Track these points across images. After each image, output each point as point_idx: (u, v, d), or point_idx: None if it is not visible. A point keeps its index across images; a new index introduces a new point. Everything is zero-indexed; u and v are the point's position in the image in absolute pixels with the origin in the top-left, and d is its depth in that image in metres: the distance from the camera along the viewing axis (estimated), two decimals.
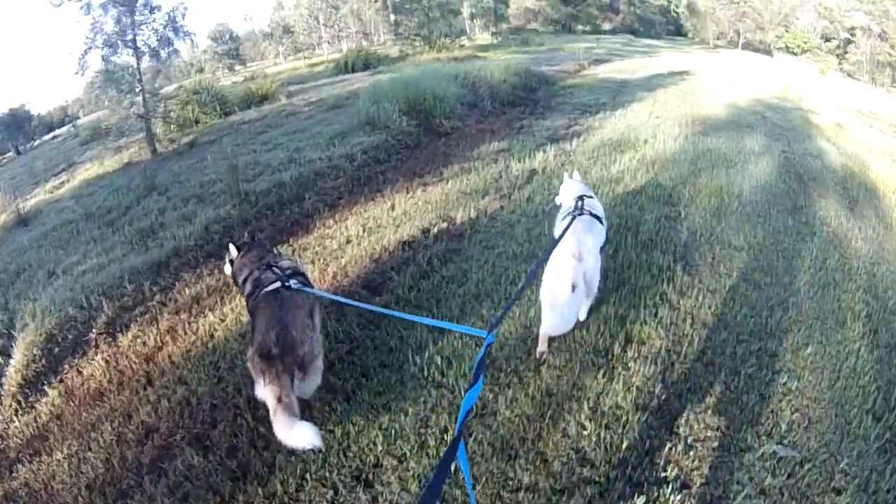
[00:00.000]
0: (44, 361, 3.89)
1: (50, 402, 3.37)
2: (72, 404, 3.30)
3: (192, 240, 4.70)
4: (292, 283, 2.64)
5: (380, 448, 2.33)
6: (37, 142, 15.39)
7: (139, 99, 8.01)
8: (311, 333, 2.51)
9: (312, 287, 2.94)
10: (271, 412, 2.12)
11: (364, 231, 4.27)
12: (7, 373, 3.86)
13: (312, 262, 3.97)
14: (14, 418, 3.37)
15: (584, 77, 11.38)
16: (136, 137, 8.89)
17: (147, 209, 5.82)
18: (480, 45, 19.22)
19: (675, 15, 32.29)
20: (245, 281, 2.92)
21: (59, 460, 2.73)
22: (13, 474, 2.88)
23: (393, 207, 4.63)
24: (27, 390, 3.65)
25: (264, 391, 2.20)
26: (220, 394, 2.87)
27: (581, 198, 3.09)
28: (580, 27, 27.71)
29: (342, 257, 3.96)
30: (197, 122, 9.22)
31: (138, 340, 3.65)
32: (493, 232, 4.03)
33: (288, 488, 2.22)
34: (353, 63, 13.68)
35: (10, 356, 4.06)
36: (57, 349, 3.97)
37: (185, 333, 3.58)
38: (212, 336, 3.45)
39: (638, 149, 5.64)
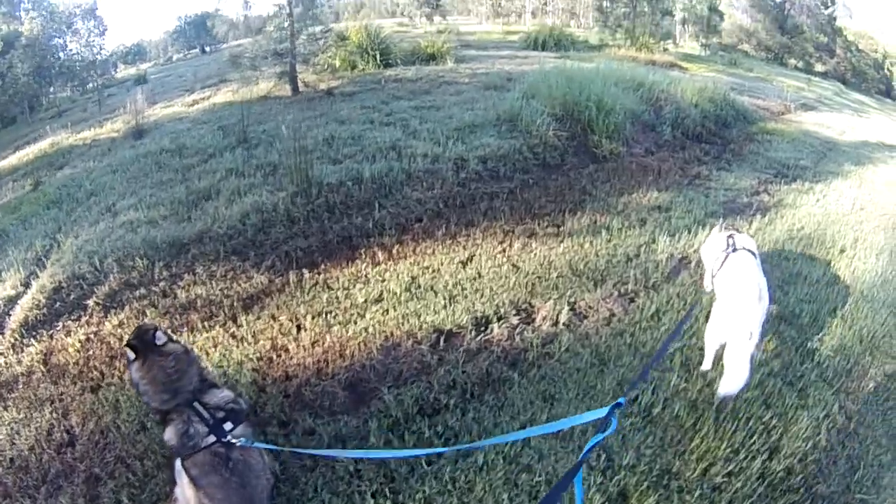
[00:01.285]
0: (45, 311, 4.37)
1: (31, 355, 3.95)
2: (41, 368, 3.81)
3: (223, 226, 4.82)
4: (239, 439, 2.33)
5: None
6: (223, 46, 19.28)
7: (286, 32, 9.22)
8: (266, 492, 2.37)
9: (249, 426, 2.54)
10: None
11: (408, 289, 3.88)
12: (19, 305, 4.58)
13: (319, 315, 3.69)
14: (7, 353, 4.10)
15: (787, 123, 11.37)
16: (280, 71, 9.85)
17: (218, 166, 6.16)
18: (686, 53, 20.26)
19: (888, 73, 33.70)
20: (161, 416, 2.45)
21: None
22: None
23: (466, 263, 4.17)
24: (23, 332, 4.24)
25: None
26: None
27: (731, 235, 3.47)
28: (793, 61, 29.81)
29: (356, 323, 3.58)
30: (353, 67, 10.18)
31: (121, 329, 3.93)
32: (580, 358, 3.26)
33: None
34: (544, 41, 14.71)
35: (27, 288, 4.81)
36: (58, 303, 4.39)
37: None
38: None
39: (831, 260, 4.88)
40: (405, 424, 2.91)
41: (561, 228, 4.66)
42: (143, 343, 2.46)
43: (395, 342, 3.44)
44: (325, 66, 10.34)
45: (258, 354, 3.51)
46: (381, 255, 4.29)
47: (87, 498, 2.95)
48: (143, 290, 4.30)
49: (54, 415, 3.48)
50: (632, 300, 3.88)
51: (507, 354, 3.33)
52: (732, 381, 2.83)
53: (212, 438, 2.31)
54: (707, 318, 3.18)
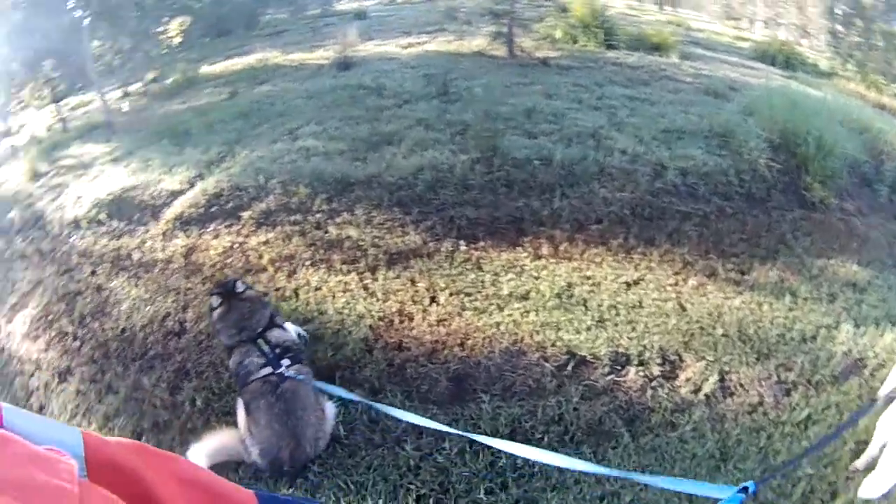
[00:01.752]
0: (201, 211, 4.87)
1: (175, 247, 4.58)
2: (181, 260, 4.42)
3: (395, 174, 4.90)
4: (290, 371, 2.68)
5: None
6: None
7: None
8: (322, 441, 2.73)
9: (308, 367, 2.87)
10: None
11: (559, 296, 3.58)
12: (180, 200, 5.17)
13: (457, 294, 3.61)
14: (156, 238, 4.82)
15: None
16: (496, 31, 9.92)
17: (409, 114, 6.23)
18: None
19: None
20: (228, 351, 2.94)
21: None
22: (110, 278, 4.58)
23: (631, 286, 3.73)
24: (175, 225, 4.83)
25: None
26: None
27: None
28: None
29: (490, 315, 3.46)
30: (575, 41, 10.12)
31: (264, 246, 4.29)
32: (702, 444, 2.82)
33: None
34: (774, 55, 13.70)
35: (192, 187, 5.38)
36: (215, 208, 4.85)
37: (289, 281, 3.98)
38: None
39: None
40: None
41: (745, 277, 4.02)
42: (227, 291, 3.00)
43: (521, 350, 3.24)
44: (545, 35, 10.32)
45: (381, 314, 3.52)
46: (545, 250, 4.05)
47: (169, 385, 3.39)
48: (297, 217, 4.55)
49: (175, 305, 3.96)
50: (788, 392, 3.21)
51: (630, 408, 2.96)
52: (879, 484, 2.62)
53: (268, 370, 2.68)
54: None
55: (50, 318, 4.42)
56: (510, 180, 4.74)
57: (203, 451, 2.72)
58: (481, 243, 4.08)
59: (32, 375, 4.02)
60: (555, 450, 2.61)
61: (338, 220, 4.47)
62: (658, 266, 3.92)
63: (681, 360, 3.23)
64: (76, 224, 5.48)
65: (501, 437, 2.70)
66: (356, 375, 3.15)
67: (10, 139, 10.65)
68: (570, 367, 3.13)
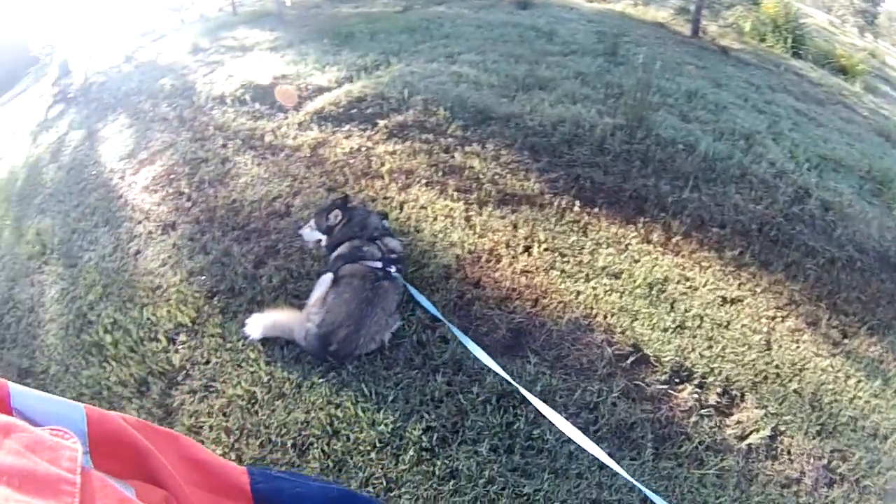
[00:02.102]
0: (340, 111, 5.06)
1: (307, 137, 4.76)
2: (307, 151, 4.58)
3: (534, 119, 4.79)
4: (394, 272, 2.94)
5: None
6: None
7: None
8: (378, 340, 2.83)
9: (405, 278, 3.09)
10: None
11: (650, 286, 3.34)
12: (323, 96, 5.35)
13: (551, 251, 3.47)
14: (291, 126, 4.98)
15: None
16: (681, 7, 9.90)
17: (570, 65, 6.03)
18: None
19: None
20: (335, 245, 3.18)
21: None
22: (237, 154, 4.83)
23: (726, 303, 3.34)
24: (312, 118, 5.03)
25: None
26: None
27: None
28: None
29: (574, 281, 3.31)
30: (763, 40, 9.59)
31: (389, 156, 4.39)
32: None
33: None
34: None
35: (339, 87, 5.50)
36: (354, 111, 5.03)
37: (400, 193, 4.05)
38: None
39: None
40: (511, 400, 2.67)
41: (845, 340, 3.37)
42: (343, 204, 3.23)
43: (590, 326, 3.03)
44: (732, 24, 9.81)
45: (472, 248, 3.47)
46: (656, 236, 3.74)
47: (256, 258, 3.61)
48: (429, 136, 4.57)
49: (288, 189, 4.13)
50: (832, 484, 2.65)
51: (668, 426, 2.65)
52: None
53: (379, 264, 2.91)
54: None
55: (171, 177, 4.72)
56: (647, 156, 4.45)
57: (262, 322, 2.94)
58: (596, 210, 3.86)
59: (140, 223, 4.33)
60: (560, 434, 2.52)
61: (467, 148, 4.41)
62: (762, 293, 3.48)
63: (742, 398, 2.84)
64: (221, 99, 5.78)
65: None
66: (426, 297, 3.13)
67: (181, 14, 11.45)
68: (628, 361, 2.87)
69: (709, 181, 4.34)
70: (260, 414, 2.73)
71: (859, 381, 3.06)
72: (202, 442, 2.69)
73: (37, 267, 4.47)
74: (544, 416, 2.39)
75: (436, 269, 3.33)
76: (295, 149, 4.66)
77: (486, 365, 2.65)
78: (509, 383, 2.60)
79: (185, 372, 3.06)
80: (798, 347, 3.18)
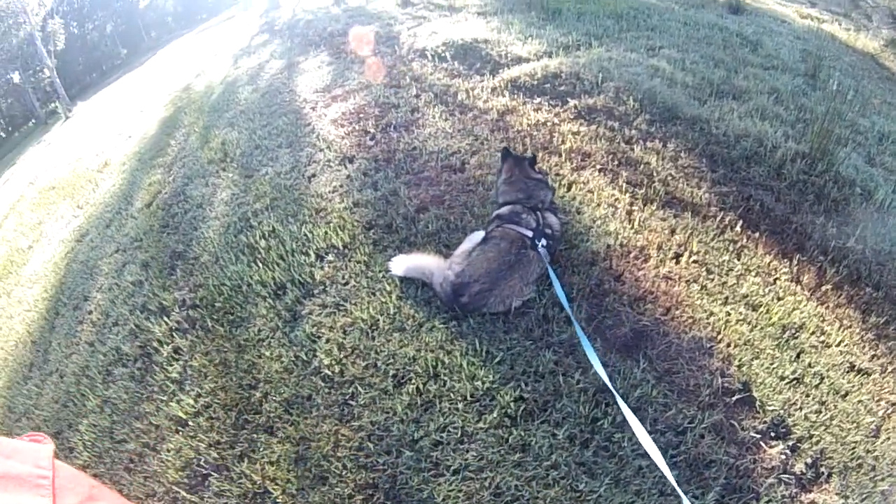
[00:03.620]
0: (535, 83, 5.22)
1: (497, 104, 4.94)
2: (491, 116, 4.81)
3: (720, 127, 4.64)
4: (541, 246, 2.90)
5: None
6: None
7: None
8: (508, 304, 2.85)
9: (553, 253, 3.07)
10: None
11: (782, 328, 3.13)
12: (521, 66, 5.53)
13: (687, 263, 3.39)
14: (485, 90, 5.16)
15: None
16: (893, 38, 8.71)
17: (767, 79, 5.72)
18: None
19: None
20: (503, 204, 3.17)
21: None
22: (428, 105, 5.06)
23: (855, 371, 3.00)
24: (507, 85, 5.24)
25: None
26: None
27: None
28: None
29: (701, 297, 3.17)
30: None
31: (567, 139, 4.44)
32: None
33: None
34: None
35: (538, 60, 5.67)
36: (547, 85, 5.17)
37: (573, 173, 4.11)
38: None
39: None
40: (606, 397, 2.60)
41: None
42: (520, 163, 3.32)
43: (710, 351, 2.86)
44: None
45: (625, 241, 3.45)
46: (807, 279, 3.43)
47: (420, 202, 3.93)
48: (615, 124, 4.68)
49: (468, 147, 4.52)
50: None
51: (745, 478, 2.43)
52: None
53: (530, 234, 2.90)
54: None
55: (361, 115, 4.92)
56: (823, 192, 4.12)
57: (406, 262, 3.09)
58: (756, 234, 3.63)
59: (321, 151, 4.57)
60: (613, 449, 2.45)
61: (648, 144, 4.31)
62: (893, 372, 3.03)
63: (828, 479, 2.50)
64: (423, 53, 5.93)
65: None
66: (564, 278, 3.11)
67: None
68: (734, 398, 2.66)
69: (878, 235, 3.93)
70: (376, 340, 2.87)
71: None
72: (314, 351, 2.94)
73: (214, 171, 4.87)
74: (628, 424, 2.32)
75: (584, 252, 3.29)
76: (483, 111, 4.72)
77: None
78: (623, 386, 2.58)
79: (322, 287, 3.26)
80: None
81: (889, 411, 2.80)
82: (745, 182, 4.10)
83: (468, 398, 2.55)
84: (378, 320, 2.95)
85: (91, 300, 4.36)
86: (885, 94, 6.60)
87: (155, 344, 3.53)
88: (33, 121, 21.41)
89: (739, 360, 2.83)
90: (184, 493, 2.62)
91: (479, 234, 3.06)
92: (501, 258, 2.82)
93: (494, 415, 2.48)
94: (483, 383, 2.58)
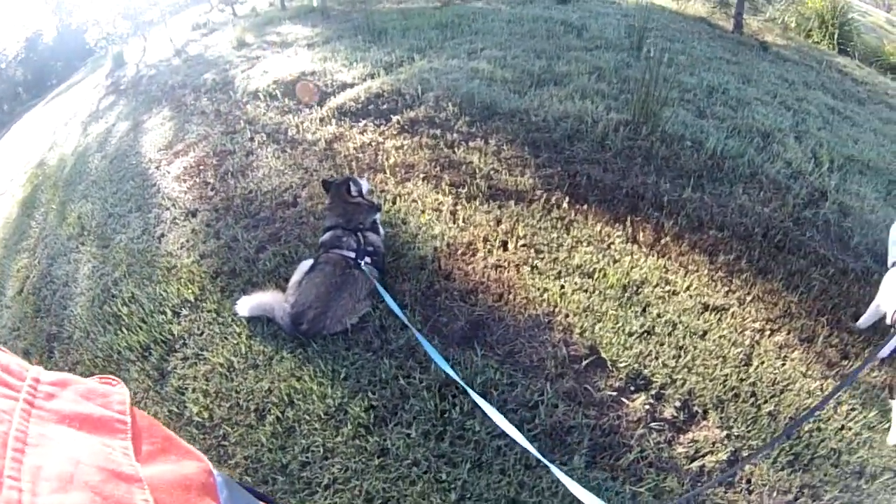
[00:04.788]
0: (359, 106, 5.06)
1: (325, 132, 4.79)
2: (323, 144, 4.65)
3: (539, 115, 4.59)
4: (364, 264, 3.02)
5: None
6: None
7: None
8: (344, 323, 2.95)
9: (381, 267, 3.17)
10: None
11: (623, 288, 3.09)
12: (345, 93, 5.38)
13: (526, 247, 3.33)
14: (313, 122, 5.05)
15: None
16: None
17: (589, 59, 5.78)
18: None
19: None
20: (325, 230, 3.27)
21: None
22: (261, 147, 4.97)
23: (707, 311, 2.99)
24: (333, 113, 5.08)
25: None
26: None
27: None
28: None
29: (542, 277, 3.14)
30: (808, 36, 9.01)
31: (396, 151, 4.38)
32: None
33: None
34: None
35: (362, 83, 5.55)
36: (371, 106, 5.02)
37: (396, 187, 4.05)
38: None
39: None
40: (451, 390, 2.61)
41: (843, 362, 2.85)
42: (336, 189, 3.33)
43: (550, 324, 2.85)
44: (777, 20, 9.20)
45: (452, 241, 3.42)
46: (643, 236, 3.44)
47: (258, 244, 3.82)
48: (437, 132, 4.56)
49: (298, 181, 4.37)
50: None
51: (609, 435, 2.40)
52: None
53: (353, 254, 3.02)
54: None
55: (201, 168, 4.90)
56: (650, 153, 4.21)
57: (249, 302, 3.14)
58: (585, 207, 3.65)
59: (167, 209, 4.57)
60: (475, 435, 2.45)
61: (470, 144, 4.33)
62: (753, 302, 3.07)
63: (704, 416, 2.49)
64: (255, 94, 5.91)
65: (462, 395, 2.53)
66: (395, 287, 3.17)
67: (233, 8, 11.71)
68: (583, 363, 2.65)
69: (714, 180, 4.04)
70: (234, 380, 2.94)
71: (853, 409, 2.58)
72: (184, 402, 2.96)
73: (74, 247, 4.80)
74: (480, 409, 2.29)
75: (412, 259, 3.31)
76: (312, 143, 4.73)
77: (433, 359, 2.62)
78: (468, 376, 2.60)
79: (182, 341, 3.32)
80: (784, 365, 2.74)
81: (756, 338, 2.89)
82: (569, 161, 4.16)
83: (323, 416, 2.64)
84: (233, 362, 3.05)
85: None
86: (716, 52, 6.84)
87: None
88: None
89: (581, 327, 2.85)
90: None
91: (307, 263, 3.16)
92: (328, 281, 2.94)
93: (349, 427, 2.55)
94: (334, 400, 2.68)
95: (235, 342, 3.15)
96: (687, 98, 5.22)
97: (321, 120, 5.07)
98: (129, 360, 3.41)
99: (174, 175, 4.98)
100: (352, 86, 5.54)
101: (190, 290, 3.63)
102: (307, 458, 2.53)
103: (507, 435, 2.23)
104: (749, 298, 3.10)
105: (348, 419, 2.59)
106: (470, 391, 2.31)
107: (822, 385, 2.67)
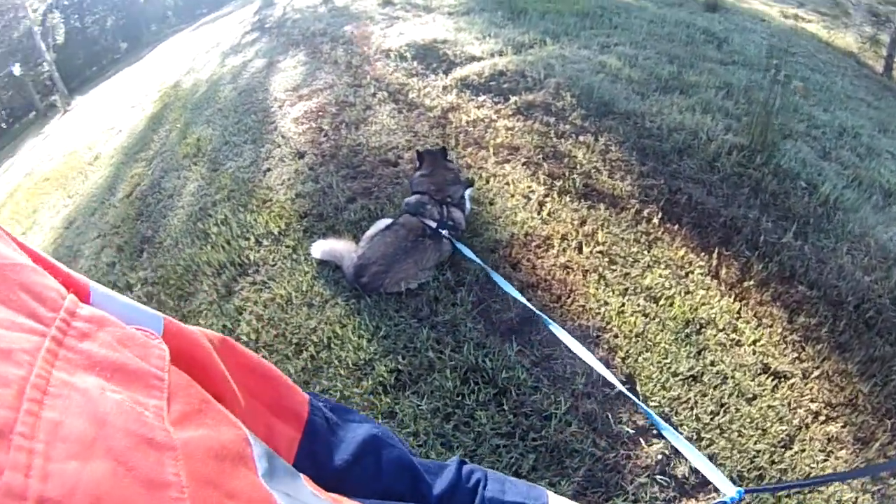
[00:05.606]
0: (482, 81, 4.89)
1: (442, 102, 4.72)
2: (434, 113, 4.59)
3: (655, 121, 4.23)
4: (445, 233, 2.90)
5: None
6: None
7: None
8: (402, 286, 2.86)
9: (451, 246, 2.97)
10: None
11: (667, 330, 2.74)
12: (472, 65, 5.23)
13: (591, 256, 3.04)
14: (435, 89, 5.00)
15: None
16: (873, 36, 8.04)
17: (724, 76, 5.21)
18: None
19: None
20: (414, 194, 3.14)
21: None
22: (380, 104, 4.88)
23: (767, 373, 2.55)
24: (457, 83, 4.96)
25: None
26: None
27: None
28: None
29: (580, 298, 2.84)
30: None
31: (500, 135, 4.24)
32: None
33: None
34: None
35: (490, 58, 5.35)
36: (493, 83, 4.85)
37: (496, 166, 3.89)
38: None
39: None
40: (476, 375, 2.43)
41: None
42: (431, 156, 3.23)
43: (596, 339, 2.62)
44: None
45: (531, 231, 3.21)
46: (727, 274, 3.00)
47: (351, 193, 3.83)
48: (550, 119, 4.32)
49: (405, 143, 4.29)
50: None
51: (604, 466, 2.12)
52: None
53: (433, 224, 2.91)
54: None
55: (319, 114, 4.84)
56: (760, 185, 3.71)
57: (323, 246, 3.14)
58: (676, 227, 3.26)
59: (279, 147, 4.57)
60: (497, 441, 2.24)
61: (580, 138, 3.99)
62: (818, 379, 2.54)
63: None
64: (387, 53, 5.74)
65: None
66: (460, 265, 3.03)
67: None
68: (614, 390, 2.32)
69: (820, 231, 3.45)
70: (288, 313, 2.98)
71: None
72: (239, 321, 3.02)
73: (187, 165, 4.99)
74: (494, 405, 2.29)
75: (486, 240, 3.12)
76: (428, 108, 4.55)
77: (470, 342, 2.56)
78: (480, 363, 2.47)
79: (255, 267, 3.38)
80: (825, 461, 2.24)
81: (808, 421, 2.39)
82: (674, 175, 3.74)
83: (351, 366, 2.61)
84: (292, 296, 3.06)
85: None
86: (856, 91, 6.05)
87: None
88: (34, 113, 21.32)
89: (626, 352, 2.55)
90: None
91: (385, 221, 3.08)
92: (399, 244, 2.84)
93: (370, 382, 2.51)
94: (366, 354, 2.63)
95: (300, 279, 3.16)
96: (813, 135, 4.55)
97: (444, 88, 4.86)
98: (204, 273, 3.52)
99: (293, 117, 4.96)
100: (479, 60, 5.27)
101: (276, 224, 3.65)
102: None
103: (506, 436, 2.20)
104: (816, 373, 2.56)
105: (372, 375, 2.54)
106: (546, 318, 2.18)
107: (856, 499, 2.14)
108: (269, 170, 4.33)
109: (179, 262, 3.74)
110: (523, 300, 2.38)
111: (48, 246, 5.50)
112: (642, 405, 1.86)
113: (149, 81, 9.93)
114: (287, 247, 3.43)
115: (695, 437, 2.22)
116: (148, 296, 3.72)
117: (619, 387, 1.72)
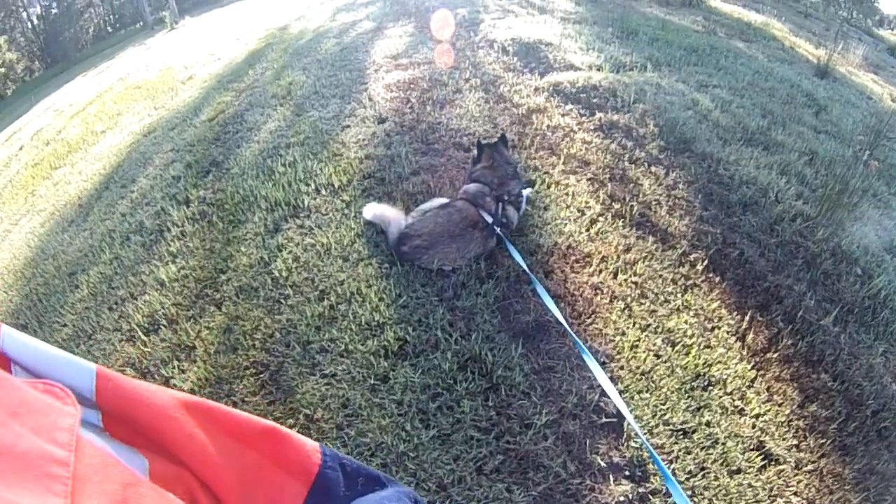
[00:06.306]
0: (573, 91, 4.73)
1: (530, 102, 4.57)
2: (518, 111, 4.45)
3: (732, 167, 3.97)
4: (499, 230, 2.79)
5: None
6: None
7: None
8: (437, 265, 2.78)
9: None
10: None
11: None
12: (568, 73, 5.10)
13: (630, 276, 2.90)
14: (527, 87, 4.87)
15: None
16: None
17: (818, 146, 4.82)
18: None
19: None
20: (473, 181, 3.00)
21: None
22: (471, 90, 4.70)
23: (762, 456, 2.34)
24: (549, 87, 4.80)
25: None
26: None
27: None
28: None
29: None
30: None
31: (575, 146, 4.09)
32: None
33: None
34: None
35: (586, 70, 5.18)
36: (583, 95, 4.68)
37: (560, 175, 3.78)
38: None
39: None
40: (482, 367, 2.35)
41: None
42: (494, 148, 3.16)
43: (602, 364, 2.50)
44: None
45: (573, 246, 3.11)
46: (754, 341, 2.79)
47: (417, 166, 3.83)
48: (628, 143, 4.14)
49: (481, 131, 4.19)
50: None
51: (564, 491, 2.01)
52: None
53: (489, 218, 2.83)
54: None
55: (411, 86, 4.81)
56: (813, 261, 3.45)
57: (374, 209, 3.11)
58: (717, 279, 3.05)
59: (364, 108, 4.60)
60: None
61: (651, 168, 3.77)
62: (811, 474, 2.31)
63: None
64: (491, 43, 5.57)
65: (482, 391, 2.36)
66: (498, 262, 2.93)
67: None
68: (601, 419, 2.26)
69: (861, 324, 3.11)
70: (323, 261, 3.00)
71: None
72: (276, 257, 3.08)
73: (274, 105, 4.98)
74: (481, 398, 2.27)
75: (529, 243, 3.00)
76: (515, 105, 4.37)
77: (481, 332, 2.52)
78: (483, 354, 2.43)
79: (306, 213, 3.40)
80: None
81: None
82: (732, 227, 3.49)
83: (363, 324, 2.59)
84: (332, 247, 3.06)
85: (137, 183, 4.57)
86: None
87: (169, 224, 3.79)
88: (140, 23, 21.74)
89: (626, 387, 2.40)
90: (140, 334, 2.94)
91: (441, 200, 3.02)
92: (448, 227, 2.75)
93: (374, 343, 2.49)
94: (381, 317, 2.61)
95: (344, 233, 3.14)
96: (885, 224, 4.15)
97: (535, 89, 4.67)
98: (259, 206, 3.58)
99: (385, 83, 4.89)
100: (576, 69, 5.04)
101: (339, 178, 3.64)
102: (328, 346, 2.53)
103: (483, 430, 2.18)
104: (810, 467, 2.30)
105: (379, 338, 2.51)
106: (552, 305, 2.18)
107: None
108: (347, 126, 4.31)
109: (239, 190, 3.80)
110: (560, 318, 2.25)
111: (123, 148, 5.51)
112: (650, 447, 1.77)
113: (259, 18, 9.95)
114: (342, 201, 3.43)
115: (665, 491, 2.06)
116: (201, 214, 3.78)
117: (633, 425, 1.63)
